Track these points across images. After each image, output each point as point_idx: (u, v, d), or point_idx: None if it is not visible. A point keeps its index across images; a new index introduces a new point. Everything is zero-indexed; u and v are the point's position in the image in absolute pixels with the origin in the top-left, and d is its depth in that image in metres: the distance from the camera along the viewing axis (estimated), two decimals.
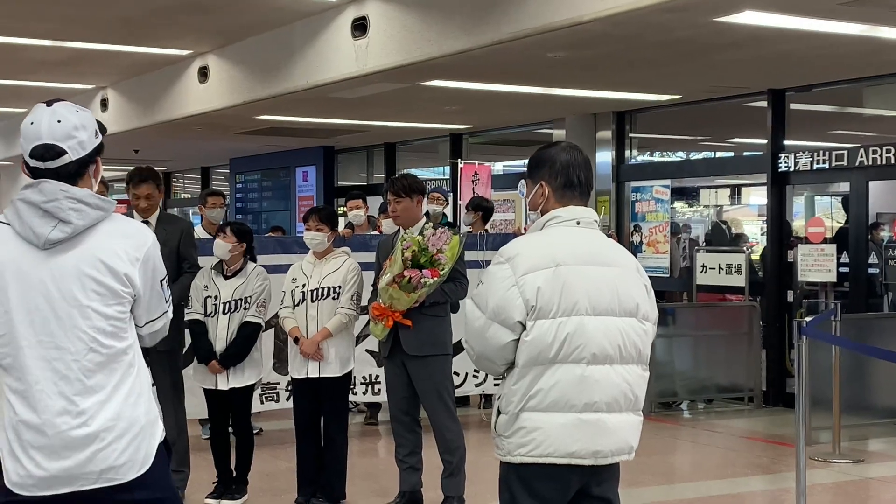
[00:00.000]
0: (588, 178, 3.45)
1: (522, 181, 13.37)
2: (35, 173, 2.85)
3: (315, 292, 6.33)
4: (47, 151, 2.81)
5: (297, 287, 6.38)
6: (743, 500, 6.94)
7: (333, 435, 6.38)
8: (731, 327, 10.61)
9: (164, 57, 12.10)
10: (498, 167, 15.09)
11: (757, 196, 13.63)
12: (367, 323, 8.37)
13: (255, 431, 7.32)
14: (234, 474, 6.50)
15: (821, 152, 10.23)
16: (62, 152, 2.81)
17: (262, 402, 8.18)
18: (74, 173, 2.85)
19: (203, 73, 11.97)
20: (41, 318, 2.78)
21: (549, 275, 3.22)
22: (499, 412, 3.33)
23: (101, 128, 2.99)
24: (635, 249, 11.95)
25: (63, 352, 2.78)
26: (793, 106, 10.71)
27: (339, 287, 6.34)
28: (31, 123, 2.84)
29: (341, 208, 17.84)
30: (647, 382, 3.40)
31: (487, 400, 9.72)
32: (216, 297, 6.34)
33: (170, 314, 3.04)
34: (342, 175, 17.75)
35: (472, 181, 12.61)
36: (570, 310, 3.21)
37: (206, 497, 6.44)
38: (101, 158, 2.98)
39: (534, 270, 3.23)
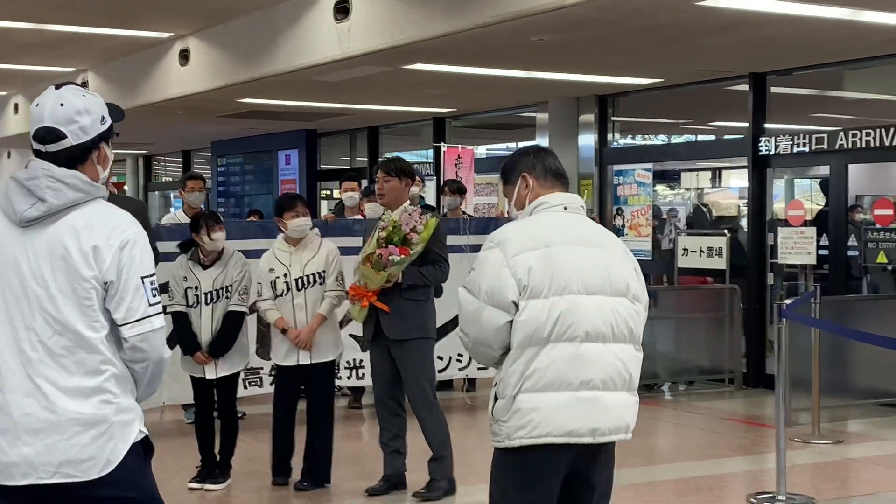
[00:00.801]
0: (560, 167, 3.54)
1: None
2: (37, 156, 2.82)
3: (299, 281, 6.31)
4: (48, 134, 2.78)
5: (277, 277, 6.34)
6: (724, 481, 7.01)
7: (321, 420, 6.40)
8: (712, 309, 10.68)
9: (145, 39, 12.05)
10: (481, 150, 15.10)
11: (738, 179, 13.69)
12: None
13: (239, 416, 7.33)
14: (218, 459, 6.52)
15: (801, 136, 10.29)
16: (62, 136, 2.77)
17: (245, 388, 8.20)
18: (76, 158, 2.79)
19: (184, 56, 11.92)
20: (13, 297, 2.74)
21: (540, 255, 3.25)
22: (496, 398, 3.32)
23: (117, 113, 2.94)
24: (618, 233, 11.99)
25: (30, 332, 2.73)
26: (773, 89, 10.76)
27: (323, 272, 6.34)
28: (37, 105, 2.80)
29: (324, 191, 17.87)
30: (640, 363, 3.42)
31: (471, 383, 9.76)
32: (197, 288, 6.33)
33: (157, 325, 2.82)
34: (325, 158, 17.73)
35: (456, 165, 12.63)
36: (561, 289, 3.23)
37: (190, 481, 6.46)
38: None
39: (524, 251, 3.25)
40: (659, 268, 12.10)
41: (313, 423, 6.41)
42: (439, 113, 14.51)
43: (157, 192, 23.92)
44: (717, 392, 10.28)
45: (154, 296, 2.82)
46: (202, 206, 8.74)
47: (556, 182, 3.47)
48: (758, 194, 10.76)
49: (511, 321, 3.24)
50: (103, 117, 2.84)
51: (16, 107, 17.43)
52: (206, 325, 6.32)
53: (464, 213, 9.97)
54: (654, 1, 7.31)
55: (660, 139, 14.02)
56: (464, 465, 6.40)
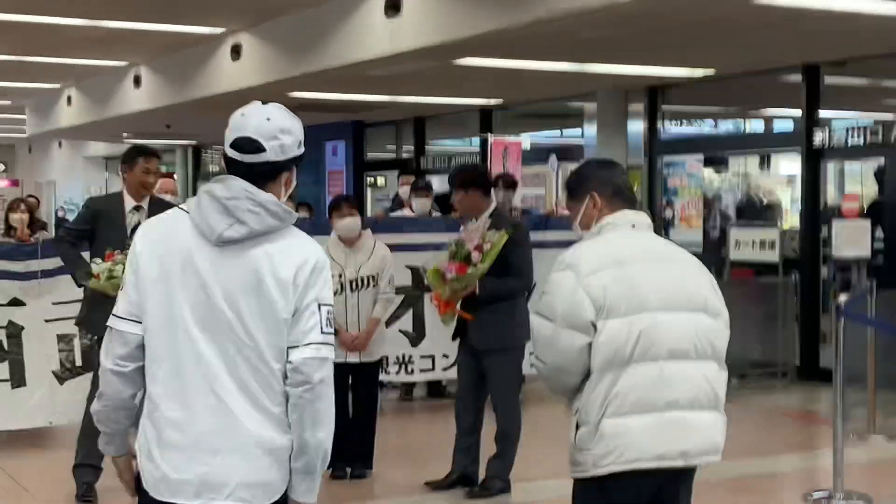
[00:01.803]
0: (630, 185, 3.47)
1: (553, 156, 13.40)
2: (230, 165, 2.75)
3: (354, 283, 6.44)
4: (248, 144, 2.71)
5: (332, 276, 6.41)
6: (778, 479, 6.99)
7: (365, 416, 6.56)
8: (765, 302, 10.62)
9: (197, 35, 12.16)
10: (526, 140, 15.08)
11: (787, 164, 13.54)
12: (401, 304, 8.56)
13: None
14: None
15: (855, 128, 10.19)
16: (262, 149, 2.70)
17: None
18: (267, 175, 2.73)
19: (236, 51, 12.03)
20: (200, 313, 2.66)
21: (615, 273, 3.15)
22: (577, 426, 3.19)
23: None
24: (667, 225, 11.96)
25: (218, 350, 2.65)
26: (827, 80, 10.66)
27: (377, 275, 6.47)
28: (242, 115, 2.76)
29: (370, 178, 17.89)
30: (725, 381, 3.29)
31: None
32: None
33: (324, 354, 2.69)
34: (371, 149, 17.80)
35: (503, 156, 12.64)
36: (640, 306, 3.13)
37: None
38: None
39: (598, 271, 3.16)
40: (708, 259, 12.04)
41: (358, 420, 6.53)
42: (486, 104, 14.51)
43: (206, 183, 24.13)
44: (769, 385, 10.23)
45: (328, 325, 2.70)
46: None
47: (624, 202, 3.36)
48: (811, 186, 10.67)
49: (590, 343, 3.12)
50: (300, 142, 2.78)
51: (69, 99, 17.66)
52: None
53: (512, 207, 9.94)
54: None
55: (710, 127, 13.90)
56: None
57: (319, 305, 2.69)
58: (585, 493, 3.21)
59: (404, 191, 9.48)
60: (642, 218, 3.37)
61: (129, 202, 5.93)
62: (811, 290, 10.59)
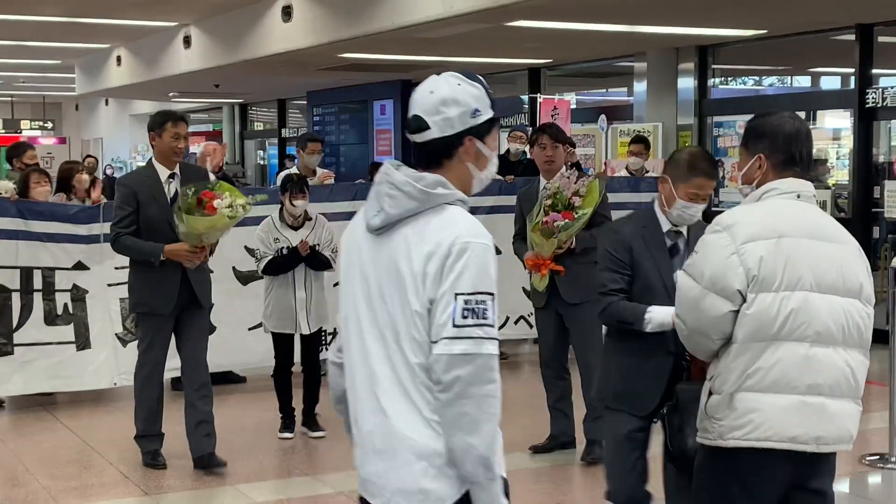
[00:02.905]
0: (810, 152, 3.22)
1: (603, 116, 13.36)
2: (413, 147, 2.58)
3: None
4: (413, 123, 2.52)
5: None
6: None
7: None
8: None
9: None
10: (574, 99, 15.05)
11: (833, 120, 13.40)
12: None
13: (324, 373, 7.91)
14: (305, 409, 6.82)
15: None
16: (425, 127, 2.49)
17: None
18: (440, 152, 2.51)
19: (287, 13, 12.09)
20: (361, 308, 2.54)
21: (772, 245, 3.02)
22: (710, 393, 3.12)
23: (502, 107, 2.61)
24: (718, 185, 11.92)
25: (375, 345, 2.50)
26: (881, 39, 10.55)
27: None
28: (416, 91, 2.56)
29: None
30: (866, 370, 3.17)
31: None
32: (288, 248, 6.59)
33: (456, 350, 2.37)
34: None
35: (552, 116, 12.63)
36: (794, 284, 3.01)
37: (281, 431, 6.76)
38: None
39: (755, 239, 3.02)
40: None
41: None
42: (535, 64, 14.48)
43: (252, 141, 24.31)
44: None
45: (464, 317, 2.37)
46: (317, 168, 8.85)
47: (794, 171, 3.15)
48: (864, 147, 10.60)
49: (734, 312, 3.02)
50: (476, 110, 2.50)
51: (118, 59, 17.81)
52: (299, 280, 6.57)
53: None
54: None
55: (763, 85, 13.79)
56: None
57: (456, 295, 2.37)
58: (713, 463, 3.15)
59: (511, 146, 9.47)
60: (808, 188, 3.17)
61: (163, 171, 5.81)
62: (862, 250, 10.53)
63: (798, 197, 3.13)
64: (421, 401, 2.43)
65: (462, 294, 2.38)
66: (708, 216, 3.84)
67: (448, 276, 2.39)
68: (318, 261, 6.59)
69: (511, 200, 8.86)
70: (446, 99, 2.48)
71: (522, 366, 9.46)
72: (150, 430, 6.05)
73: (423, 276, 2.41)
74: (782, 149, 3.16)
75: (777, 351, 3.01)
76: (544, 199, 5.94)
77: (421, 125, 2.49)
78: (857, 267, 3.13)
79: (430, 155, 2.52)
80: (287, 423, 6.77)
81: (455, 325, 2.37)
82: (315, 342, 6.81)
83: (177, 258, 5.68)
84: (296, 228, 6.61)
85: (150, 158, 5.95)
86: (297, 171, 8.81)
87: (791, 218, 3.09)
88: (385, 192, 2.49)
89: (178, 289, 5.79)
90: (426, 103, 2.49)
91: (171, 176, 5.82)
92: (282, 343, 6.76)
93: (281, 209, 6.69)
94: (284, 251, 6.56)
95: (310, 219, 6.72)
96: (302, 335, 6.70)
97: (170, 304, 5.83)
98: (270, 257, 6.57)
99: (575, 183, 5.90)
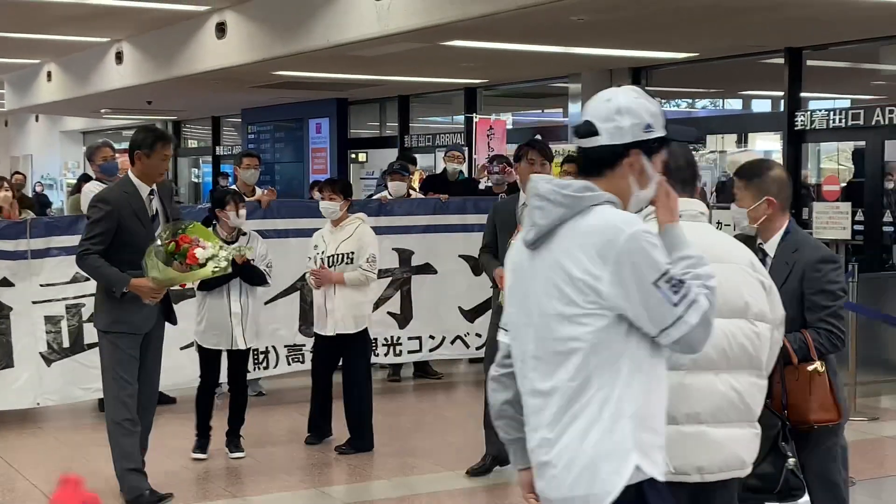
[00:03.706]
0: (692, 165, 3.15)
1: (538, 136, 13.42)
2: (578, 154, 2.58)
3: (331, 258, 6.70)
4: (582, 127, 2.53)
5: (317, 254, 6.77)
6: None
7: (355, 390, 6.70)
8: None
9: (182, 12, 12.13)
10: (511, 119, 15.14)
11: (764, 141, 13.64)
12: (389, 286, 8.62)
13: (255, 393, 8.07)
14: (231, 429, 6.70)
15: (837, 111, 10.29)
16: (594, 132, 2.50)
17: (288, 364, 8.35)
18: (605, 161, 2.51)
19: (220, 29, 12.00)
20: (527, 322, 2.54)
21: None
22: None
23: (682, 134, 2.63)
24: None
25: (538, 363, 2.51)
26: (809, 62, 10.75)
27: (353, 252, 6.68)
28: (591, 100, 2.58)
29: (352, 153, 17.89)
30: (763, 392, 3.08)
31: (395, 369, 9.27)
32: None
33: (693, 320, 2.42)
34: (355, 126, 17.80)
35: (488, 135, 12.69)
36: None
37: (194, 451, 6.61)
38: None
39: None
40: None
41: (349, 394, 6.72)
42: (471, 83, 14.54)
43: (185, 159, 24.07)
44: None
45: (675, 292, 2.40)
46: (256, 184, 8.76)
47: (674, 187, 2.93)
48: (793, 168, 10.77)
49: None
50: (649, 126, 2.51)
51: (49, 74, 17.54)
52: (234, 295, 6.53)
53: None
54: None
55: (697, 107, 13.99)
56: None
57: (653, 284, 2.40)
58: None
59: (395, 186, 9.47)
60: (692, 206, 3.09)
61: (144, 188, 5.58)
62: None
63: (693, 218, 3.04)
64: (590, 412, 2.43)
65: (657, 279, 2.40)
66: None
67: (634, 275, 2.39)
68: (254, 274, 6.54)
69: (446, 220, 8.86)
70: (622, 108, 2.50)
71: (458, 385, 9.44)
72: (129, 465, 5.58)
73: (587, 278, 2.41)
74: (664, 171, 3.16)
75: None
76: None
77: (591, 130, 2.51)
78: (741, 286, 3.01)
79: (594, 163, 2.52)
80: (202, 444, 6.66)
81: (674, 304, 2.40)
82: (244, 360, 6.73)
83: (138, 293, 5.44)
84: (230, 243, 6.53)
85: (127, 174, 5.71)
86: (234, 189, 8.76)
87: None
88: (534, 206, 2.50)
89: (160, 304, 5.61)
90: (601, 110, 2.51)
91: (152, 192, 5.64)
92: (211, 360, 6.67)
93: (215, 224, 6.62)
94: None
95: (244, 234, 6.69)
96: (230, 353, 6.62)
97: (151, 320, 5.59)
98: None
99: None
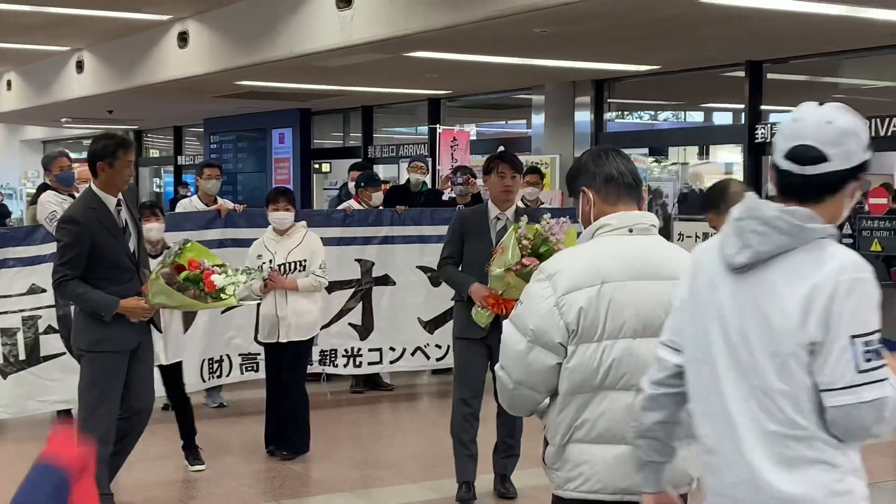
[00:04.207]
0: (633, 171, 3.05)
1: (501, 147, 13.45)
2: (783, 180, 2.39)
3: (283, 267, 6.71)
4: (807, 153, 2.33)
5: (263, 263, 6.72)
6: None
7: (294, 387, 6.75)
8: None
9: (143, 21, 12.04)
10: (474, 130, 15.16)
11: (726, 153, 13.74)
12: (352, 297, 8.57)
13: (216, 405, 8.20)
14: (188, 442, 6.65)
15: None
16: (822, 158, 2.33)
17: (241, 372, 8.28)
18: (829, 187, 2.35)
19: (182, 38, 11.93)
20: (723, 351, 2.40)
21: (594, 293, 2.86)
22: (546, 442, 3.01)
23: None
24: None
25: (735, 391, 2.37)
26: (769, 76, 10.86)
27: (305, 260, 6.73)
28: (795, 121, 2.38)
29: (315, 164, 17.84)
30: None
31: (328, 376, 9.11)
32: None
33: (867, 397, 2.24)
34: (318, 136, 17.75)
35: (451, 146, 12.69)
36: (616, 332, 2.87)
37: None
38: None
39: (576, 289, 2.87)
40: None
41: (289, 398, 6.75)
42: (435, 94, 14.54)
43: (147, 168, 23.89)
44: None
45: (867, 360, 2.24)
46: (217, 195, 8.68)
47: (621, 195, 2.99)
48: (754, 181, 10.86)
49: (560, 364, 2.90)
50: (866, 145, 2.38)
51: (8, 83, 17.36)
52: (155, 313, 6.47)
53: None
54: None
55: (658, 119, 14.09)
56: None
57: (853, 338, 2.24)
58: None
59: (353, 185, 9.42)
60: (644, 219, 3.00)
61: (110, 200, 5.28)
62: None
63: (630, 231, 2.96)
64: (793, 453, 2.31)
65: (860, 336, 2.25)
66: None
67: (840, 318, 2.25)
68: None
69: (403, 231, 8.82)
70: (846, 130, 2.35)
71: (421, 397, 9.42)
72: (104, 489, 5.29)
73: (801, 318, 2.27)
74: (598, 173, 3.01)
75: (603, 402, 2.90)
76: (520, 238, 5.34)
77: (819, 156, 2.33)
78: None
79: (814, 189, 2.35)
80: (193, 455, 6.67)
81: (859, 371, 2.24)
82: (176, 374, 6.63)
83: (128, 315, 5.25)
84: (154, 257, 6.43)
85: (90, 188, 5.38)
86: (199, 199, 8.67)
87: (618, 258, 2.93)
88: (751, 229, 2.34)
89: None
90: (824, 133, 2.33)
91: (119, 203, 5.34)
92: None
93: None
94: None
95: (168, 247, 6.51)
96: (160, 368, 6.48)
97: (138, 336, 5.35)
98: None
99: (561, 229, 5.36)
